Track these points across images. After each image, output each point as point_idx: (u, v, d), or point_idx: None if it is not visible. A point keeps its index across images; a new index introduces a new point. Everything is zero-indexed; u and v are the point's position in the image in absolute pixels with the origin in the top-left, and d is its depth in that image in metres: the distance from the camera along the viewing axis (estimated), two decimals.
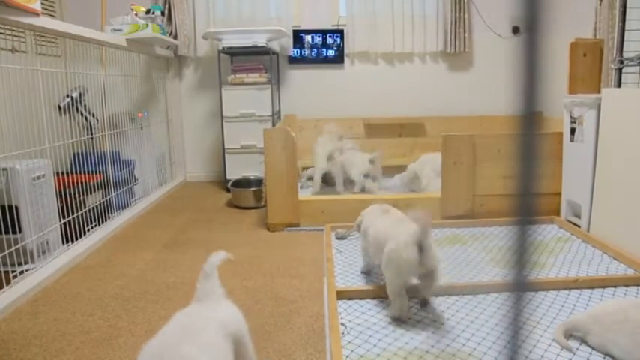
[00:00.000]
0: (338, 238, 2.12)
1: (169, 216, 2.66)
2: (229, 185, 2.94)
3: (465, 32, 3.42)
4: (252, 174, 3.11)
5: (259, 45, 3.05)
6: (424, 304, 1.40)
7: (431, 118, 3.52)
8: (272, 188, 2.30)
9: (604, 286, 1.54)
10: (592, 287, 1.53)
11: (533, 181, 0.42)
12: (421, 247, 1.24)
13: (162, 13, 3.21)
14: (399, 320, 1.33)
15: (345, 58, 3.54)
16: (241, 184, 2.96)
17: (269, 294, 1.63)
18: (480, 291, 1.53)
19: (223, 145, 3.18)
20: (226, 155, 3.18)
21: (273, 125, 3.10)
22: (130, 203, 2.71)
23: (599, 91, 2.15)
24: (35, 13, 1.69)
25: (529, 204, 0.43)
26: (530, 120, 0.42)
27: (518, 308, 0.43)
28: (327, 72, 3.56)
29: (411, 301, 1.43)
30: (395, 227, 1.34)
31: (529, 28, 0.36)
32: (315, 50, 3.51)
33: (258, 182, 2.93)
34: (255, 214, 2.66)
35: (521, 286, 0.43)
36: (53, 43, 2.70)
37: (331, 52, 3.51)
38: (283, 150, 2.26)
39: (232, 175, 3.13)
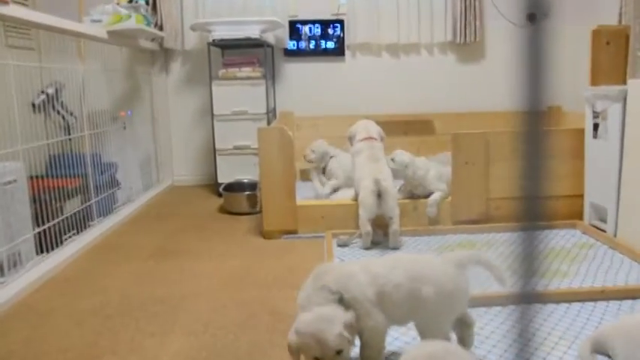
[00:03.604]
0: (340, 246, 2.13)
1: (155, 223, 2.65)
2: (221, 189, 2.94)
3: (475, 20, 3.41)
4: (245, 177, 3.10)
5: (252, 37, 3.04)
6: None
7: (439, 114, 3.52)
8: (267, 192, 2.29)
9: (634, 298, 1.52)
10: (621, 298, 1.52)
11: (541, 182, 0.40)
12: (380, 197, 2.04)
13: (147, 2, 3.20)
14: (367, 249, 2.06)
15: (346, 51, 3.54)
16: (234, 187, 2.95)
17: (265, 308, 1.62)
18: (494, 303, 1.51)
19: (214, 145, 3.16)
20: (217, 157, 3.17)
21: (269, 124, 3.09)
22: (112, 209, 2.70)
23: (624, 83, 2.14)
24: (4, 2, 1.67)
25: (536, 207, 0.42)
26: (536, 116, 0.41)
27: (525, 321, 0.42)
28: (326, 65, 3.55)
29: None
30: (369, 178, 2.09)
31: (535, 14, 0.34)
32: (314, 42, 3.50)
33: (253, 186, 2.92)
34: (250, 220, 2.65)
35: (529, 297, 0.42)
36: (26, 34, 2.68)
37: (331, 44, 3.51)
38: (279, 151, 2.26)
39: (224, 178, 3.12)
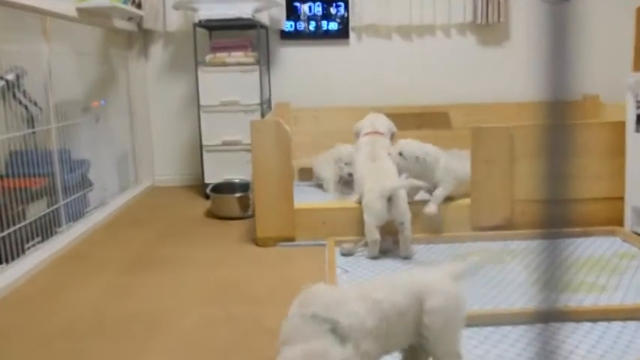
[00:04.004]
0: (343, 255, 2.13)
1: (133, 230, 2.64)
2: (208, 190, 2.93)
3: None
4: (236, 177, 3.09)
5: (244, 16, 3.03)
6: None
7: (457, 105, 3.51)
8: (261, 194, 2.29)
9: None
10: None
11: (564, 183, 0.39)
12: (390, 200, 2.04)
13: None
14: (373, 258, 2.06)
15: (351, 33, 3.53)
16: (223, 189, 2.95)
17: (259, 326, 1.61)
18: (518, 321, 1.49)
19: (201, 141, 3.16)
20: (204, 153, 3.16)
21: (263, 116, 3.09)
22: (82, 214, 2.68)
23: None
24: None
25: (559, 212, 0.40)
26: (560, 107, 0.39)
27: (546, 341, 0.41)
28: (328, 50, 3.55)
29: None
30: (374, 178, 2.12)
31: None
32: (314, 23, 3.49)
33: (245, 187, 2.91)
34: (241, 226, 2.64)
35: (550, 315, 0.40)
36: None
37: (333, 26, 3.50)
38: (275, 147, 2.26)
39: (212, 178, 3.12)
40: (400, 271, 1.24)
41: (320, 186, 3.02)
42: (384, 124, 2.44)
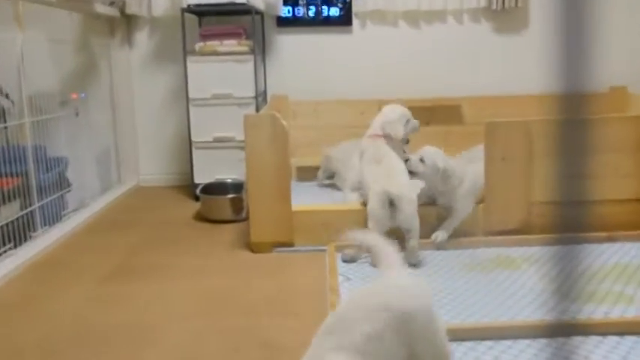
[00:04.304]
0: (345, 261, 2.13)
1: (115, 234, 2.64)
2: (198, 191, 2.93)
3: None
4: (228, 176, 3.10)
5: (237, 1, 3.03)
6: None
7: (470, 98, 3.51)
8: (256, 195, 2.29)
9: None
10: None
11: (585, 183, 0.39)
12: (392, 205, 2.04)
13: None
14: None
15: (354, 19, 3.53)
16: (214, 189, 2.95)
17: (253, 339, 1.61)
18: (536, 334, 1.49)
19: (190, 137, 3.16)
20: (194, 151, 3.16)
21: (257, 110, 3.09)
22: (60, 217, 2.68)
23: None
24: None
25: (579, 215, 0.41)
26: (578, 100, 0.40)
27: (567, 356, 0.41)
28: (329, 38, 3.55)
29: None
30: (378, 182, 2.12)
31: None
32: (314, 8, 3.50)
33: (238, 187, 2.91)
34: (234, 230, 2.65)
35: (570, 328, 0.41)
36: None
37: (335, 11, 3.50)
38: (271, 143, 2.26)
39: (202, 177, 3.12)
40: (373, 285, 1.24)
41: (331, 185, 2.99)
42: (385, 123, 2.38)
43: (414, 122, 2.46)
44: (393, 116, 2.40)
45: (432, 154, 2.20)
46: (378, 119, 2.42)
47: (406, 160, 2.22)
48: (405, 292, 1.20)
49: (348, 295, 1.16)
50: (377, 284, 1.29)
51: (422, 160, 2.18)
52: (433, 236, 2.19)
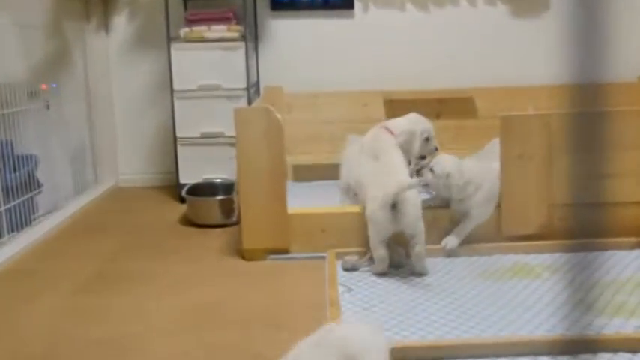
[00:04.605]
0: (346, 270, 2.13)
1: (92, 240, 2.64)
2: (184, 193, 2.93)
3: None
4: (218, 176, 3.10)
5: None
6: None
7: (484, 89, 3.51)
8: (248, 197, 2.29)
9: None
10: None
11: (605, 183, 0.39)
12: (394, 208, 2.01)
13: None
14: (382, 274, 2.06)
15: (356, 2, 3.54)
16: (202, 190, 2.96)
17: (245, 356, 1.61)
18: (556, 350, 1.48)
19: (174, 133, 3.16)
20: (179, 148, 3.17)
21: (249, 103, 3.09)
22: (29, 221, 2.68)
23: None
24: None
25: (600, 218, 0.41)
26: (590, 91, 0.40)
27: None
28: (328, 23, 3.55)
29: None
30: (376, 181, 2.11)
31: None
32: None
33: (228, 188, 2.90)
34: (224, 235, 2.65)
35: (589, 344, 0.42)
36: None
37: None
38: (265, 139, 2.26)
39: (188, 177, 3.13)
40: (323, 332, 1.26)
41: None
42: (405, 124, 2.33)
43: (433, 145, 2.39)
44: (415, 128, 2.35)
45: (441, 162, 2.20)
46: (399, 122, 2.38)
47: (418, 171, 2.24)
48: (352, 343, 1.22)
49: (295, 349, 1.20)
50: (323, 334, 1.28)
51: (432, 171, 2.19)
52: (443, 242, 2.19)
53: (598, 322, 0.45)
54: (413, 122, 2.39)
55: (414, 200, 2.06)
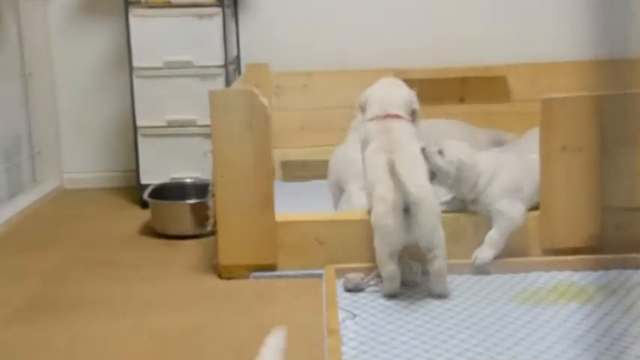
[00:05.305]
0: (349, 291, 2.13)
1: (29, 255, 2.64)
2: (146, 195, 2.93)
3: None
4: (188, 174, 3.11)
5: None
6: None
7: (519, 66, 3.52)
8: (227, 200, 2.29)
9: None
10: None
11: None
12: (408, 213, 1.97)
13: None
14: (392, 296, 2.05)
15: None
16: (169, 193, 2.96)
17: None
18: None
19: (134, 121, 3.17)
20: (140, 140, 3.17)
21: (228, 84, 3.09)
22: None
23: None
24: None
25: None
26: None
27: None
28: None
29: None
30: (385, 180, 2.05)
31: None
32: None
33: (201, 190, 2.88)
34: (196, 248, 2.66)
35: None
36: None
37: None
38: (247, 129, 2.26)
39: (151, 176, 3.13)
40: None
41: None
42: (400, 98, 2.35)
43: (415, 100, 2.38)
44: (397, 100, 2.31)
45: (451, 147, 2.21)
46: (377, 97, 2.34)
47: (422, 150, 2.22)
48: None
49: None
50: None
51: (441, 153, 2.18)
52: (473, 256, 2.18)
53: None
54: (391, 92, 2.34)
55: (432, 203, 2.05)
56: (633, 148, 2.24)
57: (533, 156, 2.30)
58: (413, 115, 2.33)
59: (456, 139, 2.35)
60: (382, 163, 2.10)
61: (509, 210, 2.20)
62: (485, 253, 2.18)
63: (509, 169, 2.26)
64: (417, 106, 2.35)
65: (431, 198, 2.05)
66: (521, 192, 2.25)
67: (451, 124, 3.10)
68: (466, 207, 2.28)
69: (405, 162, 2.10)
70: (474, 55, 3.53)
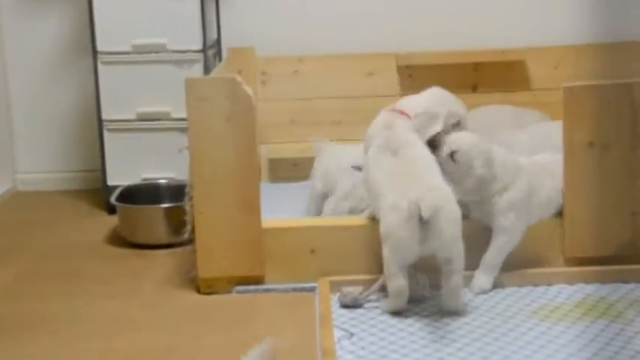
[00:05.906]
0: (345, 307, 2.14)
1: None
2: (114, 199, 2.94)
3: None
4: (162, 175, 3.13)
5: None
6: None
7: (538, 49, 3.54)
8: (206, 204, 2.30)
9: None
10: None
11: None
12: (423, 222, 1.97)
13: None
14: (395, 313, 2.06)
15: None
16: (140, 195, 2.98)
17: None
18: None
19: (99, 113, 3.17)
20: (106, 135, 3.18)
21: (207, 71, 3.10)
22: None
23: None
24: None
25: None
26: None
27: None
28: None
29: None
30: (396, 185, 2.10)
31: None
32: None
33: (176, 192, 2.89)
34: (171, 259, 2.67)
35: None
36: None
37: None
38: (229, 123, 2.27)
39: (120, 177, 3.14)
40: None
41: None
42: (421, 102, 2.34)
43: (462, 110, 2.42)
44: (438, 109, 2.33)
45: (460, 142, 2.21)
46: (416, 99, 2.38)
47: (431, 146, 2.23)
48: None
49: None
50: None
51: (452, 156, 2.19)
52: (471, 284, 2.19)
53: None
54: (435, 100, 2.38)
55: (453, 212, 2.05)
56: None
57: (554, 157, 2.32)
58: (457, 126, 2.35)
59: (501, 125, 2.37)
60: (390, 166, 2.14)
61: (514, 227, 2.21)
62: (483, 282, 2.20)
63: (526, 181, 2.24)
64: (461, 116, 2.38)
65: (452, 202, 2.05)
66: (548, 206, 2.28)
67: (496, 110, 3.17)
68: (465, 210, 2.24)
69: (415, 162, 2.14)
70: (488, 37, 3.55)
